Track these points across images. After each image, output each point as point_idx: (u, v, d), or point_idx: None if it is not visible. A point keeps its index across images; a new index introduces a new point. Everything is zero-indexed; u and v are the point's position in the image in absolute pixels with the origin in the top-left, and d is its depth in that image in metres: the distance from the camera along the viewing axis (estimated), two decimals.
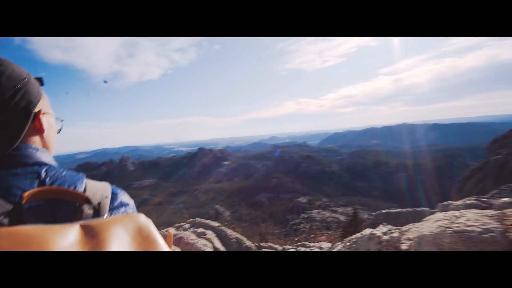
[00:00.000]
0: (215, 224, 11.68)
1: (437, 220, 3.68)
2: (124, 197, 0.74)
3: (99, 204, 0.62)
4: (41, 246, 0.38)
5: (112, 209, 0.67)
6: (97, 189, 0.67)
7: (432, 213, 6.42)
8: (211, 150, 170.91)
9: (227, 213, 65.27)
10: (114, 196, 0.70)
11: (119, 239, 0.50)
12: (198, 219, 12.08)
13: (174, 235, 8.75)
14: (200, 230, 10.69)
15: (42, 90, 0.74)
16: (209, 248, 7.67)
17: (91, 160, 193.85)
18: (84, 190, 0.65)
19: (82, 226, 0.47)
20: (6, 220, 0.46)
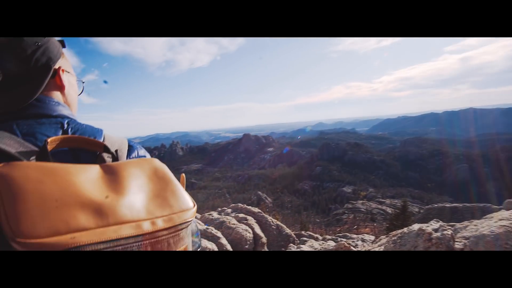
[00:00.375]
0: (256, 210, 11.95)
1: (501, 219, 3.31)
2: (141, 150, 0.79)
3: (116, 152, 0.67)
4: (65, 178, 0.45)
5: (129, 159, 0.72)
6: (115, 141, 0.72)
7: (497, 210, 5.79)
8: (255, 136, 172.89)
9: (269, 200, 66.22)
10: (131, 148, 0.76)
11: (137, 177, 0.56)
12: (240, 205, 12.42)
13: (217, 219, 9.14)
14: (241, 215, 11.03)
15: (64, 52, 0.80)
16: (249, 234, 7.85)
17: (145, 145, 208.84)
18: (103, 141, 0.70)
19: (102, 166, 0.55)
20: (33, 161, 0.52)
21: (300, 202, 69.23)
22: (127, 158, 0.72)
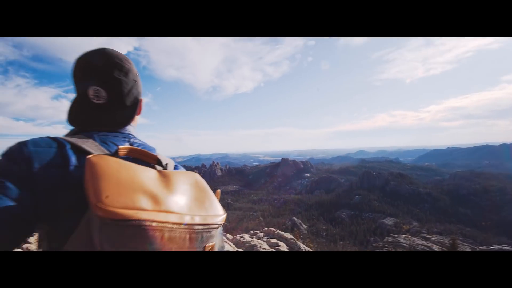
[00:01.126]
0: (289, 236, 12.04)
1: None
2: (182, 169, 0.97)
3: (166, 165, 0.84)
4: (134, 171, 0.65)
5: None
6: (164, 158, 0.89)
7: None
8: (293, 161, 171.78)
9: (303, 226, 64.47)
10: (175, 166, 0.95)
11: (183, 183, 0.73)
12: (273, 229, 12.64)
13: (248, 242, 9.43)
14: (273, 240, 11.18)
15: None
16: None
17: (187, 164, 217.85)
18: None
19: (158, 170, 0.73)
20: None
21: (336, 231, 66.33)
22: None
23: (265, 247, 8.68)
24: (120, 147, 0.74)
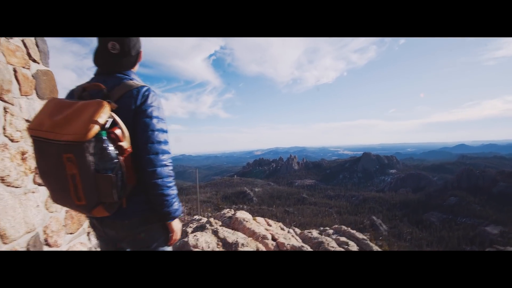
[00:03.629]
0: (360, 236, 10.95)
1: None
2: (152, 101, 1.27)
3: (108, 95, 1.19)
4: (53, 105, 1.13)
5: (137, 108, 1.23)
6: (128, 85, 1.25)
7: None
8: (377, 156, 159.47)
9: (383, 227, 59.57)
10: (140, 95, 1.23)
11: (67, 109, 1.07)
12: (344, 227, 11.74)
13: (315, 238, 8.88)
14: (342, 239, 10.32)
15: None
16: None
17: (265, 157, 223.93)
18: (120, 87, 1.24)
19: (68, 101, 1.14)
20: (86, 94, 1.22)
21: (422, 236, 59.23)
22: (132, 102, 1.21)
23: (333, 245, 8.06)
24: (77, 87, 1.24)
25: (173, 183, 1.29)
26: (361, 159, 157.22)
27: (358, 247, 9.64)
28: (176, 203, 1.30)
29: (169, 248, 1.41)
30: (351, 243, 9.77)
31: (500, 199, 77.98)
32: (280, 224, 7.93)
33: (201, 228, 5.24)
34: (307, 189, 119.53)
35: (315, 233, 10.53)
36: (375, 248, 10.37)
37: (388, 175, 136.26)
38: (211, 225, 5.52)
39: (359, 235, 11.29)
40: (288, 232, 7.93)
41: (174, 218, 1.31)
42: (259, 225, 6.31)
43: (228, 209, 8.68)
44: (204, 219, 6.31)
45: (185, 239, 3.93)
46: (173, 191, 1.28)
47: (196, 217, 6.93)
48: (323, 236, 9.96)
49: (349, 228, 12.17)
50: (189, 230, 5.18)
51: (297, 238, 9.37)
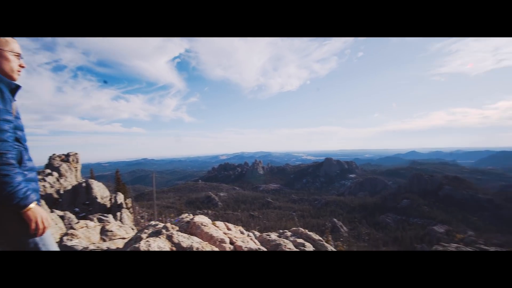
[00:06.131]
0: (317, 237, 11.41)
1: None
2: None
3: None
4: None
5: None
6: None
7: None
8: (337, 161, 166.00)
9: (344, 229, 62.04)
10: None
11: None
12: (301, 229, 12.14)
13: (273, 241, 9.12)
14: (299, 240, 10.69)
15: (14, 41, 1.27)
16: None
17: (230, 161, 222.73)
18: None
19: None
20: None
21: (379, 236, 62.67)
22: None
23: (290, 246, 8.31)
24: None
25: (13, 171, 1.23)
26: (323, 164, 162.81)
27: (314, 248, 10.06)
28: (20, 191, 1.24)
29: (43, 240, 1.30)
30: (307, 244, 10.16)
31: (445, 201, 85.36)
32: (240, 228, 8.02)
33: (156, 233, 5.14)
34: (272, 194, 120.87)
35: (273, 235, 10.78)
36: (330, 248, 10.90)
37: (348, 180, 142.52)
38: (167, 230, 5.46)
39: (316, 236, 11.77)
40: (248, 235, 8.04)
41: (24, 207, 1.26)
42: (218, 229, 6.34)
43: (186, 214, 8.58)
44: (161, 225, 6.22)
45: (136, 245, 3.87)
46: (11, 180, 1.22)
47: (153, 222, 6.80)
48: (281, 238, 10.24)
49: (307, 230, 12.63)
50: (144, 236, 5.08)
51: (256, 241, 9.52)
